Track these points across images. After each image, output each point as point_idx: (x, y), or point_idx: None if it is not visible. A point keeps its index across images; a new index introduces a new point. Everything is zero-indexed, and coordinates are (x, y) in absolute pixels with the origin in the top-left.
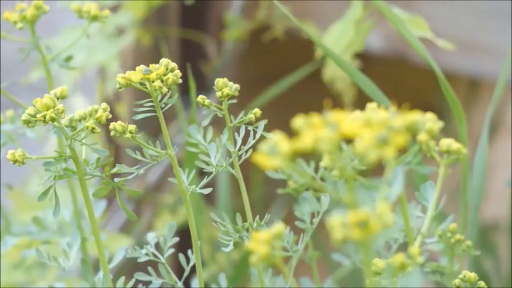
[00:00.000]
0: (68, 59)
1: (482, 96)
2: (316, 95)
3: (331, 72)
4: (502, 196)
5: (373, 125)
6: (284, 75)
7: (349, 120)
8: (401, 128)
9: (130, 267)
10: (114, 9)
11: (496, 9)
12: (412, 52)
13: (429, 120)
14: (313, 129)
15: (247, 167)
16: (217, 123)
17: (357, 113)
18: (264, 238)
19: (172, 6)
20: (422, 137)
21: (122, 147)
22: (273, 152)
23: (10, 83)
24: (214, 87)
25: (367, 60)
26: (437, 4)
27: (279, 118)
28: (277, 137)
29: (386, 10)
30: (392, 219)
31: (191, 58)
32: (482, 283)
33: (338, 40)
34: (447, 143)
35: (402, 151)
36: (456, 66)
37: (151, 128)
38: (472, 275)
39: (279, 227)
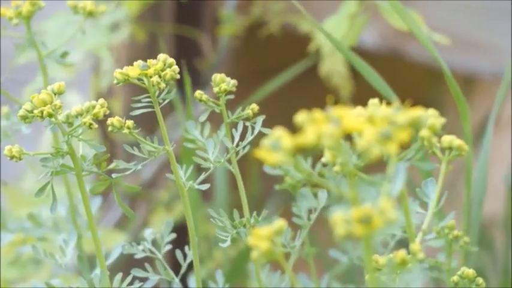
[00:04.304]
0: (64, 55)
1: (477, 93)
2: (311, 91)
3: (327, 67)
4: (496, 192)
5: (376, 120)
6: (279, 71)
7: (352, 116)
8: (404, 124)
9: (124, 263)
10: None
11: (492, 7)
12: (406, 49)
13: (431, 117)
14: (316, 124)
15: (242, 162)
16: (211, 119)
17: (360, 109)
18: (265, 234)
19: (167, 3)
20: (424, 133)
21: (116, 143)
22: (276, 147)
23: (4, 79)
24: (211, 82)
25: (361, 57)
26: (434, 2)
27: (275, 114)
28: (279, 133)
29: (396, 6)
30: (395, 215)
31: (186, 54)
32: (480, 280)
33: (331, 34)
34: (449, 139)
35: (404, 147)
36: (451, 63)
37: (144, 124)
38: (471, 272)
39: (280, 223)
